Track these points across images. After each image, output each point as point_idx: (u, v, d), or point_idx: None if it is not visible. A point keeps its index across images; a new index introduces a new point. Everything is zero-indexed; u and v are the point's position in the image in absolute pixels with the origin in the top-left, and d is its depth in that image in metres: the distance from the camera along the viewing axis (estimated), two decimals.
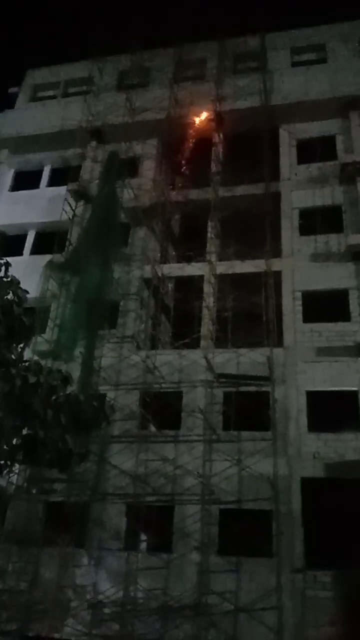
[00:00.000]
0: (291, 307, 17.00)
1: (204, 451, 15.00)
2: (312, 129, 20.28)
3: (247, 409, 15.14)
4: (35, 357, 13.82)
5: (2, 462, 11.53)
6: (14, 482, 15.05)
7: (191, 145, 20.49)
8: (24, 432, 11.38)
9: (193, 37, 22.42)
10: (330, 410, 14.97)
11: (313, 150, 19.67)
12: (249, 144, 18.37)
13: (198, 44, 22.89)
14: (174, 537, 14.39)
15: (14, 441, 11.32)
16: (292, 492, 14.23)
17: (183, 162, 20.57)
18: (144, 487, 14.70)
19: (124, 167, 19.62)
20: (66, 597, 14.07)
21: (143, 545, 15.19)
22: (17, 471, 14.31)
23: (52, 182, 22.32)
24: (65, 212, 19.24)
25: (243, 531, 13.22)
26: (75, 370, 14.72)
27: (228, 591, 13.28)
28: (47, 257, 19.05)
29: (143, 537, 15.13)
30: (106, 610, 13.86)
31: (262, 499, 13.94)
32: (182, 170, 20.62)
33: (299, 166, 19.71)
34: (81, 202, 20.20)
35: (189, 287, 18.77)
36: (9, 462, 11.79)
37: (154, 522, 14.19)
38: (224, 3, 22.20)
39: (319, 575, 13.25)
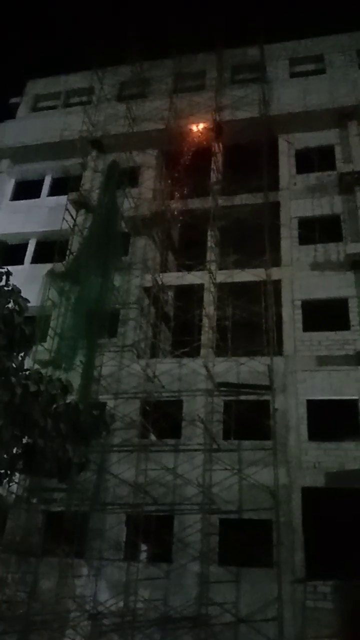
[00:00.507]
0: (291, 316, 17.05)
1: (204, 460, 14.98)
2: (311, 139, 20.43)
3: (248, 418, 15.13)
4: (36, 366, 13.83)
5: (2, 471, 11.48)
6: (14, 491, 14.99)
7: (191, 155, 20.60)
8: (24, 441, 11.35)
9: (192, 49, 22.65)
10: (330, 419, 14.96)
11: (312, 160, 19.84)
12: (248, 154, 18.48)
13: (197, 55, 23.12)
14: (174, 547, 14.34)
15: (14, 450, 11.28)
16: (293, 502, 14.19)
17: (183, 171, 20.67)
18: (144, 497, 14.65)
19: (124, 177, 19.74)
20: (65, 607, 13.99)
21: (143, 556, 15.12)
22: (16, 481, 14.24)
23: (53, 192, 22.47)
24: (66, 221, 19.33)
25: (243, 541, 13.16)
26: (75, 379, 14.68)
27: (228, 602, 13.21)
28: (48, 266, 19.10)
29: (143, 547, 15.07)
30: (106, 621, 13.77)
31: (263, 509, 13.89)
32: (182, 179, 20.72)
33: (298, 176, 19.83)
34: (82, 212, 20.31)
35: (189, 295, 18.82)
36: (8, 472, 11.74)
37: (153, 532, 14.14)
38: (223, 14, 22.47)
39: (319, 586, 13.20)
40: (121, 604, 13.82)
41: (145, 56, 22.88)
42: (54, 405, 11.64)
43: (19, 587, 14.27)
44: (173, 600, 13.65)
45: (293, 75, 22.27)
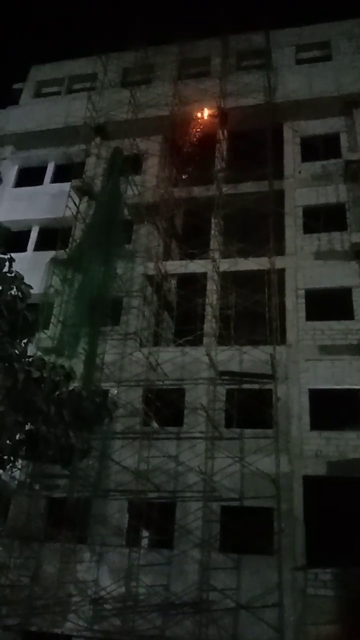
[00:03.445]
0: (294, 305, 16.99)
1: (206, 448, 15.01)
2: (316, 127, 20.24)
3: (250, 407, 15.15)
4: (39, 353, 13.84)
5: (5, 457, 11.55)
6: (17, 477, 15.08)
7: (195, 142, 20.44)
8: (27, 427, 11.40)
9: (197, 34, 22.37)
10: (332, 409, 14.97)
11: (317, 148, 19.65)
12: (253, 142, 18.32)
13: (202, 41, 22.82)
14: (175, 533, 14.42)
15: (17, 437, 11.34)
16: (294, 490, 14.23)
17: (187, 159, 20.52)
18: (146, 484, 14.72)
19: (128, 164, 19.60)
20: (68, 592, 14.11)
21: (144, 542, 15.22)
22: (19, 467, 14.33)
23: (56, 179, 22.33)
24: (69, 208, 19.23)
25: (244, 529, 13.23)
26: (78, 367, 14.74)
27: (229, 588, 13.31)
28: (51, 254, 19.06)
29: (145, 533, 15.16)
30: (107, 606, 13.90)
31: (264, 497, 13.95)
32: (186, 167, 20.58)
33: (302, 164, 19.67)
34: (85, 199, 20.19)
35: (192, 284, 18.76)
36: (11, 458, 11.82)
37: (155, 518, 14.23)
38: (228, 0, 22.14)
39: (320, 573, 13.28)
40: (123, 589, 13.93)
41: (149, 42, 22.64)
42: (57, 392, 11.69)
43: (22, 572, 14.40)
44: (174, 586, 13.75)
45: (299, 61, 22.01)
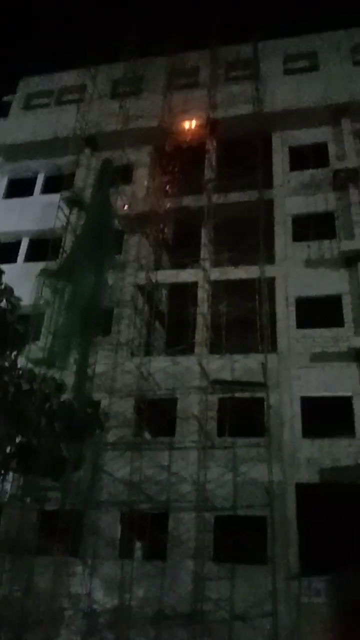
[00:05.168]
0: (285, 313, 17.06)
1: (199, 458, 14.98)
2: (305, 136, 20.42)
3: (242, 415, 15.15)
4: (29, 365, 13.79)
5: None
6: (8, 490, 14.96)
7: (185, 152, 20.56)
8: (18, 439, 11.36)
9: (186, 46, 22.53)
10: (324, 416, 14.99)
11: (306, 157, 19.81)
12: (242, 151, 18.43)
13: (191, 52, 23.02)
14: (168, 544, 14.36)
15: (8, 449, 11.29)
16: (287, 498, 14.23)
17: (177, 169, 20.63)
18: (139, 495, 14.65)
19: (118, 175, 19.67)
20: (60, 606, 13.98)
21: (138, 553, 15.14)
22: (10, 479, 14.23)
23: (46, 190, 22.39)
24: (59, 219, 19.25)
25: (238, 538, 13.18)
26: (69, 378, 14.70)
27: (223, 599, 13.24)
28: (41, 264, 18.99)
29: (138, 545, 15.07)
30: (101, 619, 13.77)
31: (257, 506, 13.92)
32: (176, 177, 20.68)
33: (291, 173, 19.83)
34: (75, 210, 20.20)
35: (183, 293, 18.80)
36: (2, 470, 11.77)
37: (148, 529, 14.14)
38: (217, 12, 22.33)
39: (314, 581, 13.23)
40: (116, 601, 13.83)
41: (139, 54, 22.79)
42: (48, 404, 11.66)
43: (14, 585, 14.25)
44: (168, 598, 13.66)
45: (287, 72, 22.21)
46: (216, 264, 18.64)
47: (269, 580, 13.15)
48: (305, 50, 22.58)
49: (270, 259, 17.92)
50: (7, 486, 14.61)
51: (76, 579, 14.33)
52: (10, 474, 13.12)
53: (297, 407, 15.46)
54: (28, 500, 14.95)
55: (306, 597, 13.14)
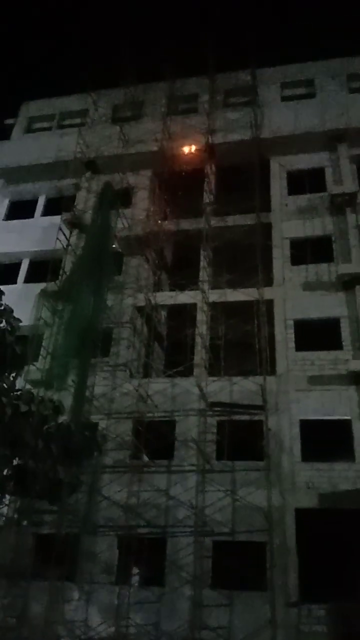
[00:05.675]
0: (283, 336, 17.09)
1: (197, 481, 14.85)
2: (302, 161, 20.73)
3: (241, 438, 15.05)
4: (27, 386, 13.74)
5: None
6: (4, 513, 14.78)
7: (184, 176, 20.81)
8: (15, 462, 11.26)
9: (185, 72, 23.01)
10: (323, 439, 14.92)
11: (303, 182, 20.10)
12: (241, 176, 18.71)
13: (190, 78, 23.47)
14: (166, 570, 14.15)
15: (4, 472, 11.18)
16: (286, 523, 14.07)
17: (176, 192, 20.86)
18: (136, 519, 14.48)
19: (118, 198, 19.87)
20: (56, 633, 13.71)
21: (135, 579, 14.89)
22: (7, 502, 14.07)
23: (47, 212, 22.60)
24: (60, 241, 19.40)
25: (237, 564, 13.01)
26: (67, 399, 14.63)
27: (221, 626, 13.00)
28: (41, 286, 19.11)
29: (135, 570, 14.84)
30: None
31: (256, 531, 13.76)
32: (175, 200, 20.91)
33: (289, 197, 20.07)
34: (75, 232, 20.40)
35: (182, 315, 18.85)
36: None
37: (146, 554, 13.94)
38: (216, 39, 22.86)
39: (314, 609, 13.02)
40: (113, 629, 13.56)
41: (139, 79, 23.24)
42: (46, 426, 11.58)
43: (8, 611, 13.98)
44: (166, 625, 13.41)
45: (284, 98, 22.63)
46: (215, 286, 18.73)
47: (268, 607, 12.94)
48: (302, 78, 23.04)
49: (269, 282, 18.04)
50: (4, 509, 14.43)
51: (72, 605, 14.08)
52: (7, 496, 12.96)
53: (296, 431, 15.39)
54: (24, 523, 14.75)
55: (306, 625, 12.92)
